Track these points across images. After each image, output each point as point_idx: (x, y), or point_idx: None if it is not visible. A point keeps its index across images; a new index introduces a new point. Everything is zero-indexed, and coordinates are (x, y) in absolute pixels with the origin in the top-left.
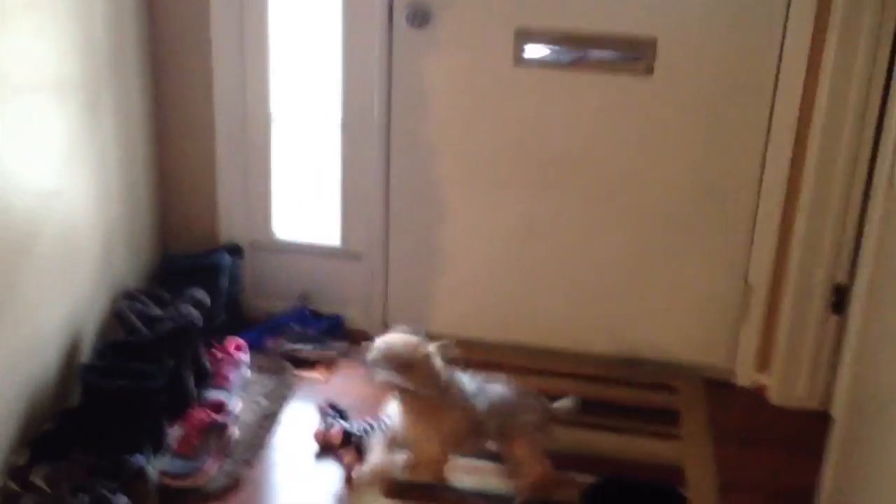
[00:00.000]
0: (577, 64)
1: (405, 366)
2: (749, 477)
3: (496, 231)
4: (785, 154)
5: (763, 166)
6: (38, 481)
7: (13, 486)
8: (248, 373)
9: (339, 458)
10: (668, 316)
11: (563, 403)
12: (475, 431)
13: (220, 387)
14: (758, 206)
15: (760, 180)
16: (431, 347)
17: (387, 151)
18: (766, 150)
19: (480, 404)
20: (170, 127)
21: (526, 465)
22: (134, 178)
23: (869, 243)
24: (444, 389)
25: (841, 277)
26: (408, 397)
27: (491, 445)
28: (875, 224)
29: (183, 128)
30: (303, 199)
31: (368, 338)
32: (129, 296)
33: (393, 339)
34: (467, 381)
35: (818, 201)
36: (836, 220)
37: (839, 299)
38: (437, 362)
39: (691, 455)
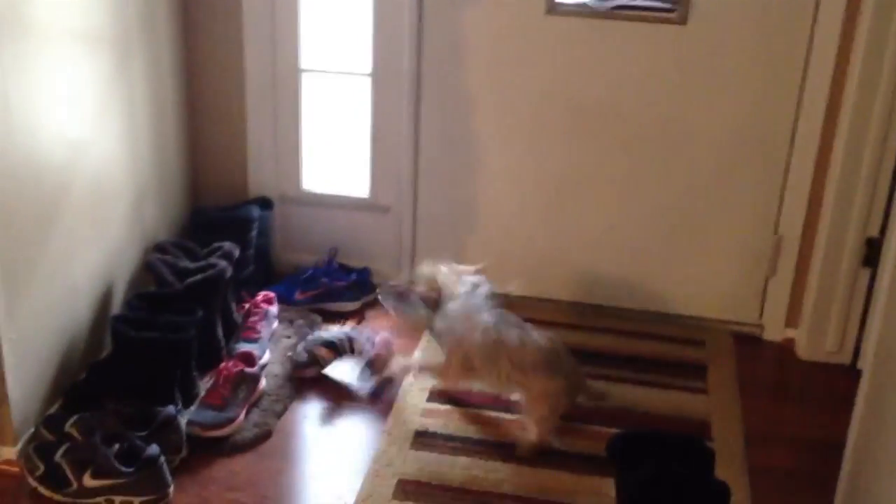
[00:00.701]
0: (610, 13)
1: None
2: (776, 430)
3: (527, 184)
4: (819, 105)
5: (797, 118)
6: (71, 430)
7: (47, 434)
8: (277, 325)
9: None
10: (699, 270)
11: (599, 387)
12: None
13: (249, 339)
14: (791, 158)
15: (794, 132)
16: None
17: (416, 103)
18: (800, 101)
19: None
20: (200, 80)
21: (534, 422)
22: (164, 131)
23: None
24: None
25: (873, 231)
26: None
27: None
28: None
29: (213, 80)
30: (332, 151)
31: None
32: (159, 248)
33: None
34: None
35: (852, 154)
36: (869, 172)
37: (870, 252)
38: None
39: (719, 409)
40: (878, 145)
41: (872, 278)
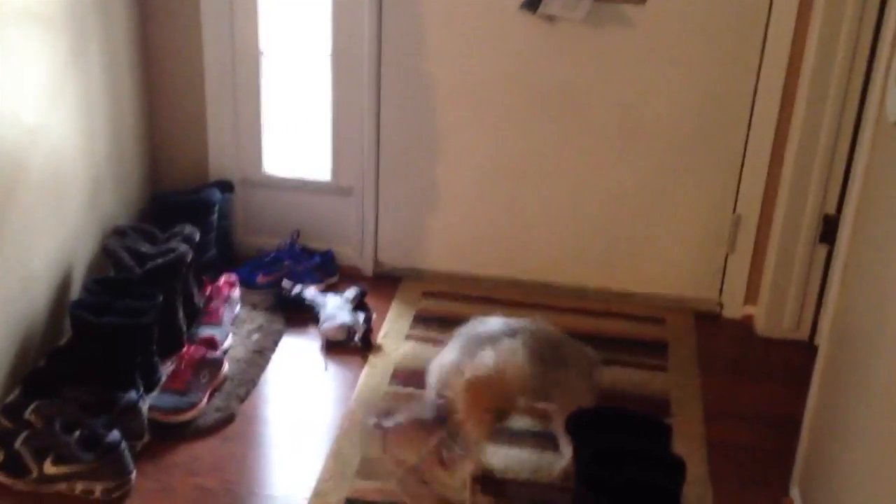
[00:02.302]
0: None
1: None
2: (735, 406)
3: (489, 166)
4: (777, 85)
5: (755, 97)
6: (31, 417)
7: (6, 422)
8: (239, 309)
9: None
10: (659, 249)
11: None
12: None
13: (211, 323)
14: (749, 137)
15: (752, 111)
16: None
17: (377, 85)
18: (758, 81)
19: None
20: (158, 62)
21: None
22: (122, 115)
23: (857, 174)
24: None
25: (829, 208)
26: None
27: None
28: (864, 155)
29: (171, 63)
30: (293, 134)
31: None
32: (118, 232)
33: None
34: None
35: (808, 132)
36: (825, 151)
37: (827, 229)
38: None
39: (678, 385)
40: (833, 123)
41: (829, 255)
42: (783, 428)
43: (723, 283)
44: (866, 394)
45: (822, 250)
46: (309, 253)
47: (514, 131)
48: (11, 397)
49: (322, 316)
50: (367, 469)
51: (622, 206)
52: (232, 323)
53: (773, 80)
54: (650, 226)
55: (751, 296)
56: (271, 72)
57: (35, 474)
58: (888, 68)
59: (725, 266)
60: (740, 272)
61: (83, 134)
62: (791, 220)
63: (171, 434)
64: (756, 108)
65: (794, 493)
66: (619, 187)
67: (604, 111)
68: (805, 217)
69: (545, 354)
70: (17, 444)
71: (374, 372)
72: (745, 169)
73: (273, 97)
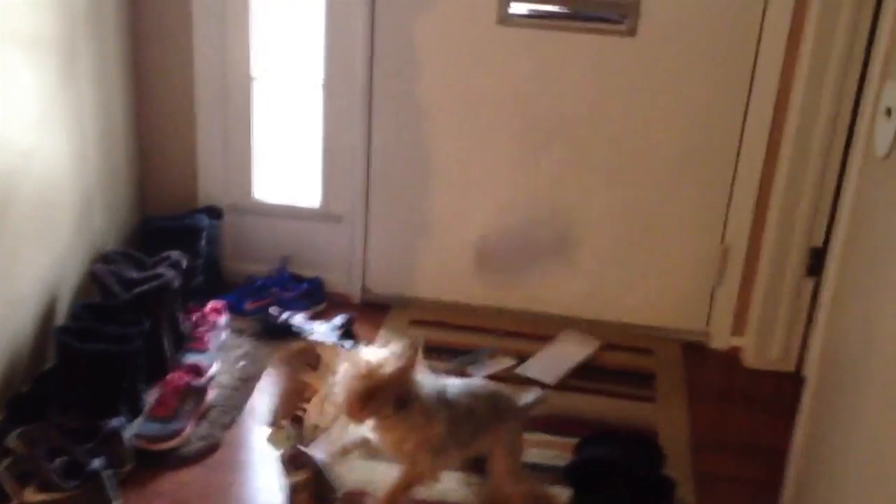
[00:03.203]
0: (561, 23)
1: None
2: (722, 437)
3: (478, 193)
4: (765, 117)
5: (743, 129)
6: (14, 443)
7: None
8: (226, 336)
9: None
10: (647, 279)
11: (528, 398)
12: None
13: (197, 350)
14: (737, 169)
15: (740, 143)
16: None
17: (368, 112)
18: (746, 112)
19: (446, 413)
20: (149, 87)
21: (507, 485)
22: (112, 139)
23: (845, 207)
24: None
25: (817, 241)
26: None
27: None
28: (851, 188)
29: (162, 87)
30: (283, 160)
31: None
32: (105, 258)
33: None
34: (430, 387)
35: (796, 165)
36: (813, 183)
37: (815, 262)
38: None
39: (666, 416)
40: (821, 157)
41: (816, 287)
42: (770, 459)
43: (710, 313)
44: (854, 425)
45: (809, 282)
46: (297, 280)
47: (504, 160)
48: None
49: None
50: (350, 499)
51: (610, 236)
52: (218, 349)
53: (761, 112)
54: (638, 256)
55: (738, 327)
56: (263, 97)
57: (16, 502)
58: (876, 102)
59: (713, 297)
60: (728, 303)
61: (74, 157)
62: (779, 251)
63: (155, 462)
64: (744, 139)
65: None
66: (607, 217)
67: (593, 141)
68: (793, 249)
69: (478, 409)
70: None
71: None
72: (733, 200)
73: (264, 123)
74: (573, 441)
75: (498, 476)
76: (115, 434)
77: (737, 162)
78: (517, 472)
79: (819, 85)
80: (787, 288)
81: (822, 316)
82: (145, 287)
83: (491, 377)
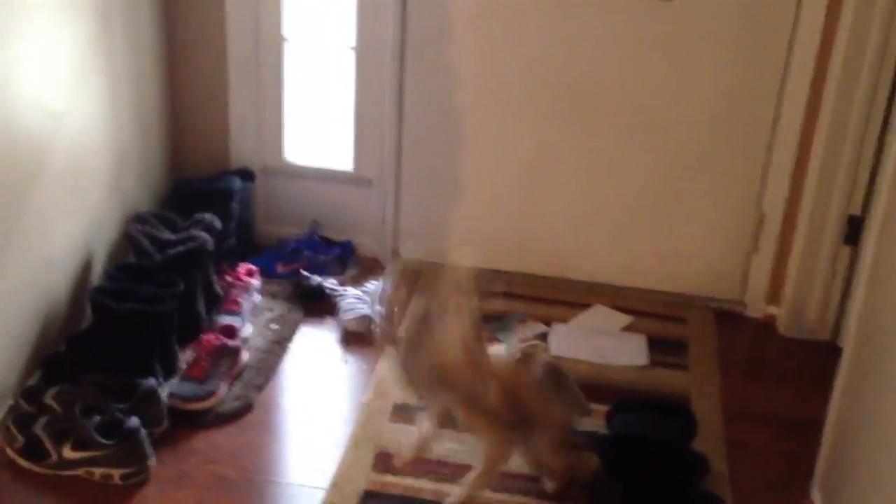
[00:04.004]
0: None
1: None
2: (755, 407)
3: (510, 159)
4: (804, 82)
5: (781, 95)
6: (51, 402)
7: (26, 406)
8: (258, 298)
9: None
10: (682, 247)
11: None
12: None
13: (230, 312)
14: (775, 135)
15: (778, 109)
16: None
17: (400, 75)
18: (784, 78)
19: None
20: (181, 49)
21: (548, 457)
22: (145, 101)
23: (885, 174)
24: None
25: (855, 208)
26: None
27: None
28: (892, 155)
29: (195, 50)
30: (315, 123)
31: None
32: (139, 219)
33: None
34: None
35: (835, 131)
36: (852, 150)
37: (852, 230)
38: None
39: (698, 385)
40: (861, 123)
41: (853, 256)
42: (804, 429)
43: (745, 282)
44: (891, 397)
45: (846, 251)
46: (329, 243)
47: (536, 125)
48: (32, 381)
49: (342, 307)
50: (384, 462)
51: (645, 203)
52: (251, 312)
53: (800, 78)
54: (673, 223)
55: (773, 295)
56: (295, 59)
57: (54, 458)
58: None
59: (748, 265)
60: (763, 271)
61: (107, 119)
62: (816, 219)
63: (189, 422)
64: (782, 105)
65: (815, 495)
66: (642, 183)
67: (628, 106)
68: (830, 217)
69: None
70: (37, 428)
71: (393, 364)
72: (770, 167)
73: (296, 85)
74: (605, 408)
75: (541, 447)
76: (150, 393)
77: (774, 128)
78: (560, 445)
79: (860, 49)
80: (824, 256)
81: (859, 286)
82: (179, 249)
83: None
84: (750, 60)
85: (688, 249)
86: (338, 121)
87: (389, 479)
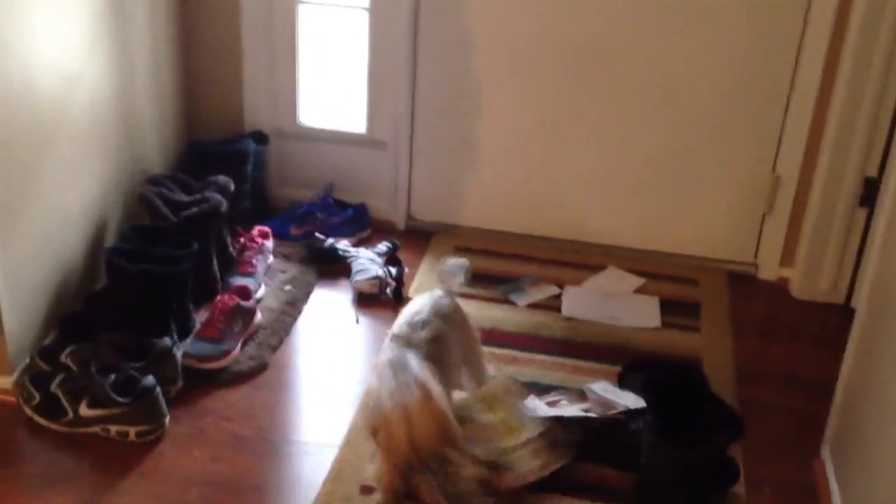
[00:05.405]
0: None
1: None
2: (767, 368)
3: (524, 122)
4: (822, 44)
5: (798, 56)
6: (67, 360)
7: (42, 364)
8: (272, 260)
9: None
10: (695, 209)
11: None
12: None
13: (245, 273)
14: (791, 97)
15: (795, 70)
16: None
17: (414, 37)
18: (802, 39)
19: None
20: (195, 11)
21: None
22: (159, 64)
23: None
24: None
25: (871, 170)
26: None
27: None
28: None
29: (209, 12)
30: (329, 86)
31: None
32: (154, 181)
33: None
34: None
35: (852, 93)
36: (869, 112)
37: (868, 192)
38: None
39: (710, 346)
40: (879, 85)
41: (869, 218)
42: (815, 390)
43: (759, 244)
44: None
45: (861, 213)
46: (342, 206)
47: (550, 88)
48: (48, 340)
49: (354, 268)
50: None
51: (658, 164)
52: (265, 273)
53: (817, 39)
54: (687, 184)
55: (787, 258)
56: (309, 21)
57: (71, 416)
58: None
59: (762, 227)
60: (777, 234)
61: (121, 82)
62: (831, 181)
63: (204, 381)
64: (799, 66)
65: (826, 455)
66: (655, 144)
67: (642, 67)
68: (846, 179)
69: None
70: (53, 386)
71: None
72: (785, 129)
73: (310, 47)
74: (616, 368)
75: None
76: (166, 352)
77: (791, 89)
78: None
79: (879, 8)
80: (839, 218)
81: (874, 247)
82: (194, 210)
83: (533, 305)
84: (767, 21)
85: (702, 212)
86: (351, 83)
87: None
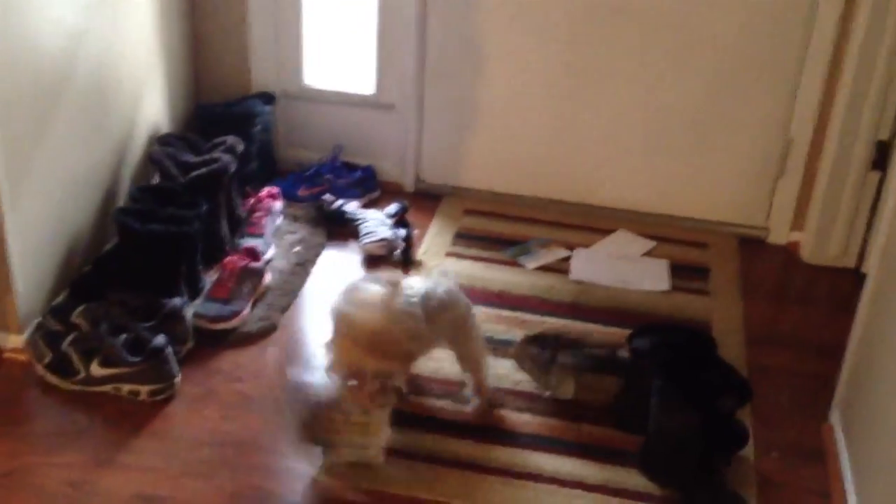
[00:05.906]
0: None
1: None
2: (777, 332)
3: (533, 84)
4: (835, 6)
5: (812, 19)
6: (78, 320)
7: (54, 324)
8: (281, 221)
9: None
10: (706, 172)
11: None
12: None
13: (254, 234)
14: (804, 60)
15: (808, 32)
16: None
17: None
18: (815, 1)
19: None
20: None
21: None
22: (166, 23)
23: None
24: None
25: (883, 134)
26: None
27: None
28: None
29: None
30: (337, 46)
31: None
32: (163, 141)
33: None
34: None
35: (865, 56)
36: (882, 75)
37: (880, 156)
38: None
39: (720, 310)
40: (892, 48)
41: (881, 182)
42: (825, 354)
43: (770, 208)
44: None
45: (873, 177)
46: (350, 168)
47: (560, 50)
48: (59, 300)
49: (363, 231)
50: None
51: (669, 127)
52: (274, 235)
53: (831, 1)
54: (699, 149)
55: (798, 221)
56: None
57: (82, 375)
58: None
59: (773, 191)
60: (789, 197)
61: (128, 41)
62: (843, 145)
63: (214, 341)
64: (812, 28)
65: (835, 418)
66: (666, 108)
67: (653, 29)
68: (858, 143)
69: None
70: (65, 345)
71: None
72: (798, 92)
73: (316, 8)
74: (625, 331)
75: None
76: (176, 312)
77: (804, 53)
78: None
79: None
80: (851, 182)
81: (887, 211)
82: (203, 171)
83: (542, 268)
84: None
85: (713, 175)
86: (359, 44)
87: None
